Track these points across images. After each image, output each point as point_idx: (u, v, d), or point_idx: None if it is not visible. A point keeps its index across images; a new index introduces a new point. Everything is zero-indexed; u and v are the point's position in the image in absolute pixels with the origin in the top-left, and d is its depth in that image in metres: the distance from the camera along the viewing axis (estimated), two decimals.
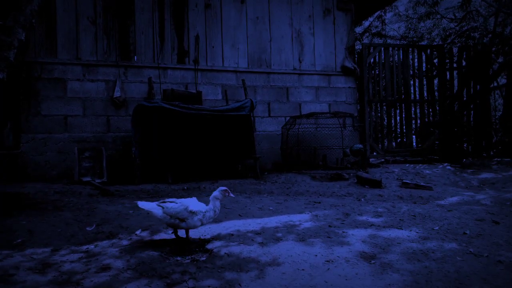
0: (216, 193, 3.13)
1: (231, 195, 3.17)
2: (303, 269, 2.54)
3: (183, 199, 3.13)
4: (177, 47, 7.47)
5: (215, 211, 3.12)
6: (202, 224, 3.08)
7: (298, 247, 2.91)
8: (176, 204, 3.03)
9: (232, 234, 3.25)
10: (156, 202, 3.11)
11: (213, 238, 3.20)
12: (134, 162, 6.27)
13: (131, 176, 6.36)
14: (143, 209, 3.11)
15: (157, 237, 3.28)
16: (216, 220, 3.58)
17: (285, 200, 4.97)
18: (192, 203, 3.07)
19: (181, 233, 3.19)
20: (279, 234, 3.25)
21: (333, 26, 8.63)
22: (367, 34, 13.82)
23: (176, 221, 3.00)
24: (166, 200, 3.15)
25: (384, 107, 9.44)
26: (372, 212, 4.16)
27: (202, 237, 3.22)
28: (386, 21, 14.12)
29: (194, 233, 3.29)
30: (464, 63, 9.79)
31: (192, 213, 3.00)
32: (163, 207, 3.04)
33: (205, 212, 3.06)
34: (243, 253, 2.81)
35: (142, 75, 7.15)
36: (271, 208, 4.45)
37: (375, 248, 2.89)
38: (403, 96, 9.46)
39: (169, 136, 6.38)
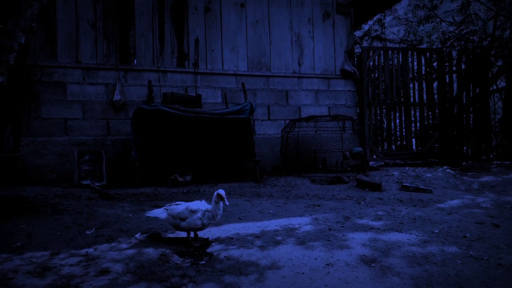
0: (215, 194, 3.18)
1: (226, 203, 3.10)
2: (303, 273, 2.53)
3: (190, 202, 3.24)
4: (177, 51, 7.48)
5: (215, 211, 3.13)
6: (203, 224, 3.09)
7: (298, 251, 2.90)
8: (179, 206, 3.18)
9: (232, 238, 3.25)
10: (163, 207, 3.29)
11: (213, 241, 3.19)
12: (134, 165, 6.27)
13: (131, 179, 6.35)
14: (150, 216, 3.31)
15: (156, 240, 3.27)
16: (216, 223, 3.57)
17: (285, 203, 4.96)
18: (195, 204, 3.18)
19: (187, 234, 3.22)
20: (279, 238, 3.24)
21: (333, 29, 8.65)
22: (367, 37, 13.84)
23: (177, 220, 3.11)
24: (173, 203, 3.29)
25: (384, 110, 9.44)
26: (372, 215, 4.16)
27: (202, 241, 3.21)
28: (386, 24, 14.14)
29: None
30: (463, 67, 9.80)
31: (192, 212, 3.09)
32: (167, 209, 3.20)
33: (205, 211, 3.11)
34: (242, 257, 2.80)
35: (142, 78, 7.16)
36: (270, 211, 4.44)
37: (375, 252, 2.88)
38: (402, 99, 9.47)
39: (168, 139, 6.38)
